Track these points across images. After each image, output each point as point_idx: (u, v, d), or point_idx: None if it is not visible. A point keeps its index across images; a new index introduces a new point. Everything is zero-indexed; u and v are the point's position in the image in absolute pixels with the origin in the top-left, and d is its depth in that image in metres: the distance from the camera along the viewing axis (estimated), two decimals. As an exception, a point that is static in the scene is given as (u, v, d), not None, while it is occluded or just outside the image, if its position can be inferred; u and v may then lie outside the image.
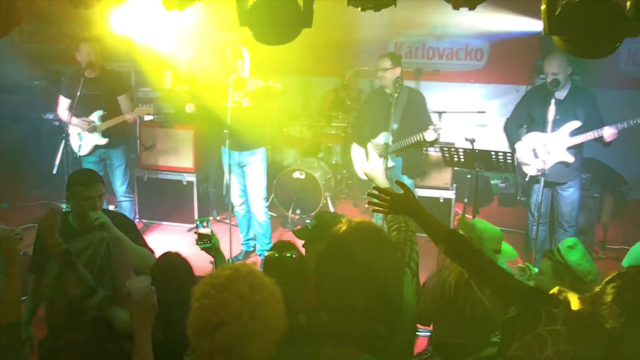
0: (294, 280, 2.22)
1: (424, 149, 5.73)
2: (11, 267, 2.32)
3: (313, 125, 7.14)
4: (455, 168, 5.74)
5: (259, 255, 5.42)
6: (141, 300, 1.98)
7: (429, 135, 4.74)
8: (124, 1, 3.70)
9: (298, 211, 6.27)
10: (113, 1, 3.55)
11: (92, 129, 5.26)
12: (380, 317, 1.99)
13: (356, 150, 5.39)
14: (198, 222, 2.74)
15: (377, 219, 4.55)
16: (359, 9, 2.52)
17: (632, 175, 6.52)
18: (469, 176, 4.96)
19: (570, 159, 4.57)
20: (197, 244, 2.71)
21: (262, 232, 5.31)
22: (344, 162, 6.84)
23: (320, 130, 7.03)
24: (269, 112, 5.19)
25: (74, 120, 5.21)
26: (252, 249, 5.59)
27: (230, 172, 5.13)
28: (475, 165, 4.63)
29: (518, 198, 7.02)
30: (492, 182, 7.29)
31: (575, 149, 4.59)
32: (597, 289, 1.70)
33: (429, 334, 2.29)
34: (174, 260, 2.49)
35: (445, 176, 6.06)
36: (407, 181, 5.12)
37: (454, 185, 6.11)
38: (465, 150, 4.68)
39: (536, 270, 3.09)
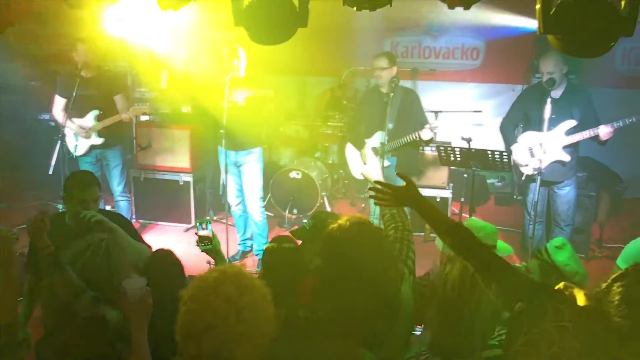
0: (291, 270, 2.22)
1: (420, 148, 5.74)
2: (7, 268, 2.32)
3: (309, 125, 7.14)
4: (452, 167, 5.75)
5: (256, 255, 5.41)
6: (137, 301, 1.98)
7: (425, 134, 4.74)
8: (119, 1, 3.69)
9: (295, 211, 6.27)
10: (108, 0, 3.54)
11: (88, 135, 5.27)
12: (379, 312, 1.99)
13: (350, 151, 5.39)
14: (198, 224, 2.73)
15: (374, 219, 4.56)
16: (355, 8, 2.52)
17: (628, 173, 6.55)
18: (465, 175, 4.96)
19: (566, 157, 4.58)
20: (197, 245, 2.71)
21: (258, 232, 5.31)
22: (341, 162, 6.84)
23: (316, 129, 7.03)
24: (265, 111, 5.19)
25: (69, 124, 5.21)
26: (249, 249, 5.59)
27: (226, 172, 5.13)
28: (471, 165, 4.64)
29: (514, 197, 7.05)
30: (489, 181, 7.31)
31: (571, 148, 4.61)
32: (604, 286, 1.68)
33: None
34: (164, 260, 2.49)
35: (441, 175, 6.07)
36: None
37: (451, 184, 6.12)
38: (461, 149, 4.68)
39: None
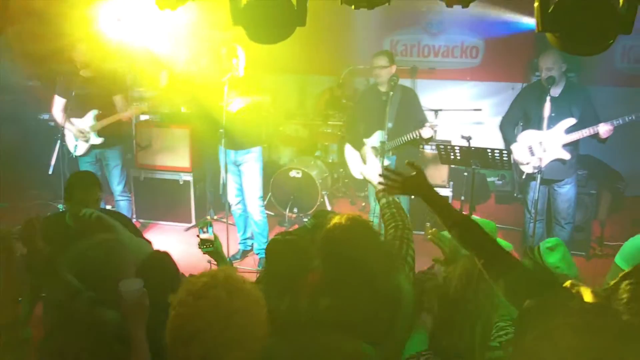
0: (296, 257, 2.21)
1: (420, 146, 5.74)
2: (7, 268, 2.32)
3: (309, 124, 7.14)
4: (452, 166, 5.75)
5: (257, 254, 5.42)
6: (134, 303, 1.99)
7: (426, 132, 4.74)
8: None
9: (295, 210, 6.27)
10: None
11: (87, 138, 5.28)
12: (380, 308, 1.99)
13: (350, 151, 5.38)
14: (199, 228, 2.72)
15: (374, 217, 4.56)
16: (352, 7, 2.51)
17: (629, 171, 6.54)
18: (465, 174, 4.96)
19: (566, 156, 4.58)
20: (199, 248, 2.71)
21: (259, 231, 5.31)
22: (341, 161, 6.83)
23: (316, 128, 7.03)
24: (264, 111, 5.19)
25: (69, 126, 5.21)
26: (249, 248, 5.59)
27: (226, 171, 5.13)
28: (471, 163, 4.63)
29: (515, 195, 7.04)
30: (489, 179, 7.31)
31: (571, 146, 4.61)
32: (612, 283, 1.67)
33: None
34: (159, 263, 2.48)
35: (442, 174, 6.07)
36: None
37: (451, 182, 6.12)
38: (461, 147, 4.68)
39: None
